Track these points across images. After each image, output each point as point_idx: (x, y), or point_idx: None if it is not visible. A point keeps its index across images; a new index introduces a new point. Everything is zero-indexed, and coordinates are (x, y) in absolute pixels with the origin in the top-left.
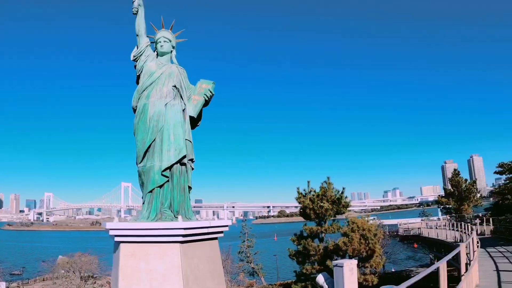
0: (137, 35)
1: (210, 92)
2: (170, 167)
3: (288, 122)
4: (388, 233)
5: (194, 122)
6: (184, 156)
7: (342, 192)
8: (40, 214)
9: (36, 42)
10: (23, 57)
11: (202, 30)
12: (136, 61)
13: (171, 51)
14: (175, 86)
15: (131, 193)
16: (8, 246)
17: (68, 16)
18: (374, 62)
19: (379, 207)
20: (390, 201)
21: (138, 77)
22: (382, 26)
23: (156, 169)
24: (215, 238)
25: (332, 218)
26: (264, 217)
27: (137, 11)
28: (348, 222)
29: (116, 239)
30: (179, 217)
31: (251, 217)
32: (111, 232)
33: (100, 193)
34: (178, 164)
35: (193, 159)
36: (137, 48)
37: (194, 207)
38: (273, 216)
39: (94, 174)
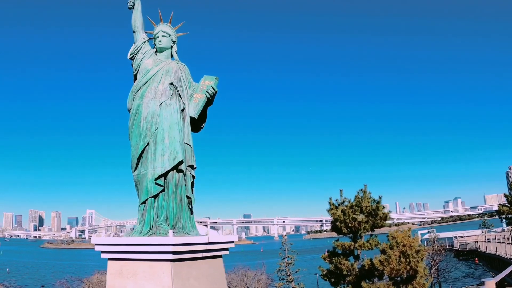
0: (134, 31)
1: (213, 89)
2: (164, 175)
3: (343, 133)
4: (443, 248)
5: (197, 123)
6: (181, 162)
7: (379, 202)
8: (82, 231)
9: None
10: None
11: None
12: (133, 59)
13: (171, 47)
14: (172, 84)
15: None
16: (48, 264)
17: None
18: (431, 65)
19: (439, 219)
20: (451, 212)
21: (135, 76)
22: (440, 26)
23: (149, 177)
24: (220, 256)
25: (370, 232)
26: (316, 231)
27: (133, 5)
28: (387, 237)
29: (103, 255)
30: (170, 231)
31: (303, 232)
32: (97, 248)
33: None
34: (174, 171)
35: (193, 165)
36: (134, 45)
37: (243, 222)
38: (325, 231)
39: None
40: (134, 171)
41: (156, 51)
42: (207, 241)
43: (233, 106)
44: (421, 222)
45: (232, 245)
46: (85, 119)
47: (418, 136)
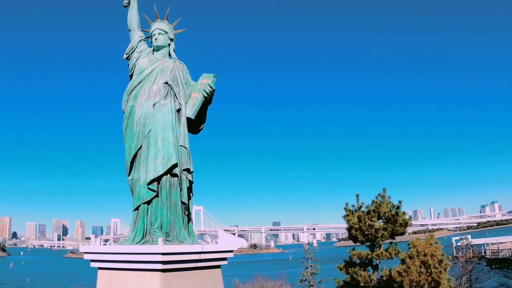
0: (130, 30)
1: (210, 87)
2: (157, 179)
3: (374, 137)
4: (474, 255)
5: (196, 124)
6: (175, 165)
7: (398, 207)
8: (107, 241)
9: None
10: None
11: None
12: (129, 59)
13: (169, 45)
14: (166, 83)
15: (202, 217)
16: (71, 274)
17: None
18: (465, 66)
19: (475, 224)
20: (488, 216)
21: (131, 77)
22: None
23: (141, 182)
24: (218, 267)
25: (390, 240)
26: (348, 239)
27: (129, 3)
28: (408, 245)
29: (92, 264)
30: (159, 239)
31: (334, 239)
32: (86, 256)
33: None
34: (168, 175)
35: (189, 169)
36: (130, 44)
37: (272, 230)
38: None
39: None
40: (128, 175)
41: (153, 50)
42: (201, 250)
43: (261, 112)
44: (456, 227)
45: (230, 255)
46: (109, 126)
47: (453, 139)
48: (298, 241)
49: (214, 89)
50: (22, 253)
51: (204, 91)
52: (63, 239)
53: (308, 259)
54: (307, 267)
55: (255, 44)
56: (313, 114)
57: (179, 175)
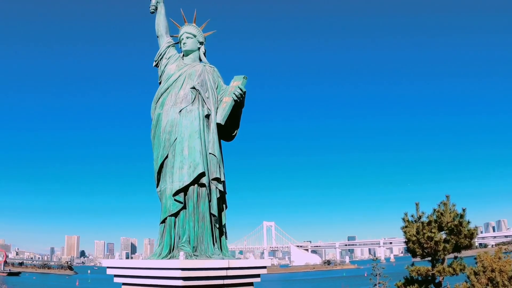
0: (158, 37)
1: (240, 89)
2: (184, 190)
3: (451, 148)
4: None
5: (228, 130)
6: (202, 174)
7: (462, 216)
8: None
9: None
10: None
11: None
12: (158, 66)
13: (199, 48)
14: (194, 88)
15: (274, 233)
16: None
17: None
18: None
19: None
20: None
21: (160, 84)
22: None
23: (167, 193)
24: (250, 284)
25: (454, 254)
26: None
27: (156, 9)
28: (475, 259)
29: (116, 279)
30: (181, 254)
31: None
32: (109, 271)
33: (241, 234)
34: (196, 185)
35: (219, 178)
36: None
37: (346, 245)
38: None
39: (235, 214)
40: (157, 187)
41: (183, 55)
42: (227, 266)
43: (335, 127)
44: None
45: (263, 271)
46: None
47: None
48: (375, 256)
49: (245, 92)
50: (89, 271)
51: (234, 94)
52: (131, 257)
53: (376, 275)
54: (375, 284)
55: (302, 50)
56: (386, 126)
57: (207, 185)
